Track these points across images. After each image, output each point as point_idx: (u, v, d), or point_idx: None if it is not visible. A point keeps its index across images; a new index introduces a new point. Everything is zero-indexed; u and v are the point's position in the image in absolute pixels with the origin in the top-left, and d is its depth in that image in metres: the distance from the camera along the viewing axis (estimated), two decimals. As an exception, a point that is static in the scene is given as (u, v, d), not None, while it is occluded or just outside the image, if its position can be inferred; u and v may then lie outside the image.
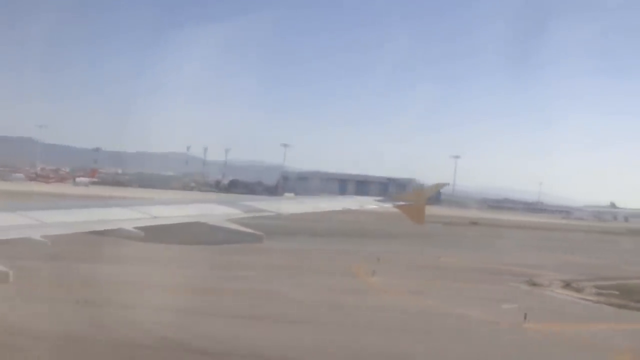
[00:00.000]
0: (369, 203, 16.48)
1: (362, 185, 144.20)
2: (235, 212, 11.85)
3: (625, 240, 69.38)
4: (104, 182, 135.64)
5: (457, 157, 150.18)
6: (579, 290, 29.59)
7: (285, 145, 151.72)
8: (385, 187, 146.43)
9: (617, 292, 28.87)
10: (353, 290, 26.00)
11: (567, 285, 30.75)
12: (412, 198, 15.45)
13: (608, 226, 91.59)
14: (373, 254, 35.46)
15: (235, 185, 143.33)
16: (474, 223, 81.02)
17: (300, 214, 14.69)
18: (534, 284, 30.68)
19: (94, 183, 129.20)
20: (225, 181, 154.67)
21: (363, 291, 26.32)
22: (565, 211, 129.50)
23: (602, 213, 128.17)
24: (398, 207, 15.59)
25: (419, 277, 30.23)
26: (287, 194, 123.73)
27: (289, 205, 14.84)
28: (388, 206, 15.90)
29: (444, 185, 16.82)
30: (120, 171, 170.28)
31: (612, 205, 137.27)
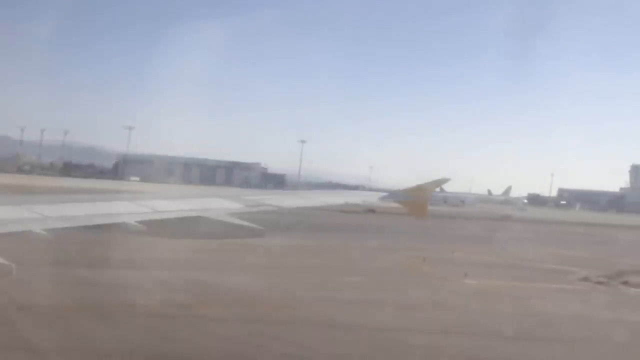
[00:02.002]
0: (371, 197, 16.48)
1: (206, 169, 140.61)
2: (236, 206, 11.86)
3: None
4: None
5: (303, 141, 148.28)
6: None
7: (129, 128, 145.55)
8: (231, 172, 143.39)
9: None
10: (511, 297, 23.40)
11: (624, 281, 29.38)
12: (414, 193, 15.43)
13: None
14: (404, 251, 34.56)
15: (69, 168, 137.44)
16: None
17: (301, 208, 14.69)
18: (586, 280, 29.21)
19: None
20: (60, 164, 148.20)
21: (524, 298, 23.57)
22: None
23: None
24: (400, 202, 15.60)
25: (495, 276, 27.82)
26: (132, 178, 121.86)
27: (290, 200, 14.83)
28: (390, 201, 15.91)
29: (446, 180, 16.72)
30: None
31: (441, 189, 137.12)
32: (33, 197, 10.35)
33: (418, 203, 15.41)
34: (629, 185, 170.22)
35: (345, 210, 40.40)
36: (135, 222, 8.98)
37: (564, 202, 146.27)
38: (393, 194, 16.24)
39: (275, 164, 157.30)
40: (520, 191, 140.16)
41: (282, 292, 20.69)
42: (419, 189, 15.51)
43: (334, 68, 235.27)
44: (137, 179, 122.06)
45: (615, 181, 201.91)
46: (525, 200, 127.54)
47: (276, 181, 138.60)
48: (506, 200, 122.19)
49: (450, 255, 33.20)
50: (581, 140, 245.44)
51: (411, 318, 18.03)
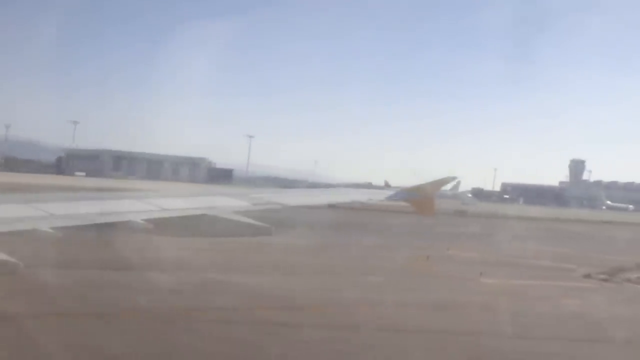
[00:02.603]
0: (378, 196, 16.38)
1: (154, 164, 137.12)
2: (242, 204, 11.78)
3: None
4: None
5: (251, 136, 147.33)
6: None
7: (74, 123, 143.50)
8: (178, 166, 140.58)
9: None
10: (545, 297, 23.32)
11: (626, 278, 29.18)
12: (421, 191, 15.34)
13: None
14: (403, 249, 34.49)
15: (11, 162, 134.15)
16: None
17: (307, 206, 14.61)
18: (589, 277, 29.21)
19: None
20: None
21: (551, 298, 23.40)
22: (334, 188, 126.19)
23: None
24: (407, 200, 15.52)
25: (505, 275, 27.18)
26: (77, 173, 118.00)
27: (297, 198, 14.74)
28: (396, 200, 15.82)
29: (453, 178, 16.64)
30: None
31: (387, 183, 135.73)
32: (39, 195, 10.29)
33: (424, 201, 15.35)
34: (568, 180, 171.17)
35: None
36: (142, 220, 8.92)
37: (507, 196, 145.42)
38: (400, 193, 16.14)
39: (223, 159, 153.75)
40: (464, 186, 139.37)
41: (315, 293, 20.29)
42: (426, 188, 15.42)
43: (283, 60, 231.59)
44: (83, 174, 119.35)
45: (555, 176, 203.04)
46: (470, 195, 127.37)
47: (223, 176, 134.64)
48: (455, 195, 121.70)
49: (448, 253, 33.17)
50: (523, 135, 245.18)
51: (467, 320, 17.96)
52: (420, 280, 24.95)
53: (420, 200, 15.38)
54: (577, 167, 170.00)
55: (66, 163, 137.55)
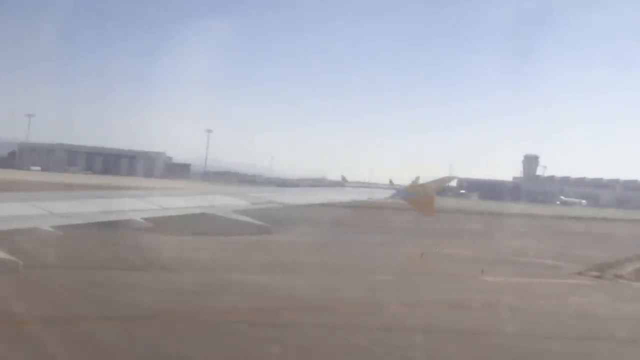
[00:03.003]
0: (378, 195, 16.38)
1: (110, 159, 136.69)
2: (241, 203, 11.76)
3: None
4: None
5: (209, 131, 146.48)
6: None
7: (29, 116, 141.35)
8: (135, 161, 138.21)
9: None
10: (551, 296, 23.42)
11: (618, 274, 29.33)
12: (421, 191, 15.34)
13: None
14: (397, 247, 34.57)
15: None
16: None
17: (307, 205, 14.59)
18: (582, 274, 29.34)
19: None
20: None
21: (558, 296, 23.52)
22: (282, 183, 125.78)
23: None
24: (407, 199, 15.51)
25: (502, 273, 27.46)
26: (33, 168, 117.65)
27: (296, 197, 14.72)
28: (397, 199, 15.81)
29: (453, 178, 16.67)
30: None
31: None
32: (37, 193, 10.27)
33: (425, 200, 15.35)
34: (521, 175, 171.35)
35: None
36: (142, 219, 8.90)
37: (463, 191, 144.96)
38: (400, 192, 16.14)
39: (181, 154, 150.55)
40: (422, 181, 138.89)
41: (331, 293, 20.08)
42: (425, 187, 15.42)
43: (240, 52, 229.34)
44: (38, 168, 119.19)
45: (509, 171, 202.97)
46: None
47: (181, 171, 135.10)
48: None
49: (438, 250, 33.16)
50: (479, 131, 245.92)
51: (495, 321, 17.93)
52: (426, 279, 24.92)
53: (420, 199, 15.39)
54: (530, 162, 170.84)
55: (20, 157, 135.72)
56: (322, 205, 15.26)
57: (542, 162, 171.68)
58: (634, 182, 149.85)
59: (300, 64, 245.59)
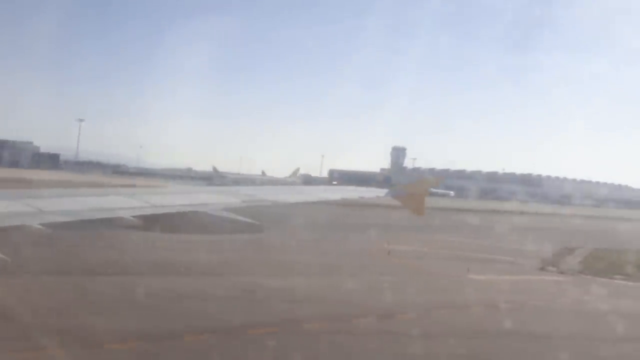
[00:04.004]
0: (369, 193, 16.42)
1: None
2: (233, 201, 11.74)
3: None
4: None
5: (81, 120, 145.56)
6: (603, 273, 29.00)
7: None
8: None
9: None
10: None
11: (579, 270, 30.11)
12: (412, 189, 15.39)
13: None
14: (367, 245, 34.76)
15: None
16: None
17: (298, 203, 14.58)
18: (544, 269, 29.65)
19: None
20: None
21: (551, 293, 23.84)
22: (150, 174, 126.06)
23: (182, 177, 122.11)
24: (397, 198, 15.54)
25: (483, 271, 27.50)
26: None
27: (287, 195, 14.71)
28: (387, 197, 15.84)
29: (444, 178, 16.73)
30: None
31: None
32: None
33: (415, 199, 15.38)
34: (389, 167, 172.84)
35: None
36: (132, 216, 8.87)
37: (335, 183, 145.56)
38: (391, 191, 16.18)
39: (48, 144, 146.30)
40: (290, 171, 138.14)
41: (360, 295, 19.71)
42: (417, 186, 15.48)
43: (115, 42, 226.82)
44: None
45: (379, 163, 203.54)
46: (298, 181, 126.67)
47: (49, 162, 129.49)
48: (294, 182, 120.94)
49: (396, 248, 32.68)
50: (348, 122, 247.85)
51: (526, 321, 18.04)
52: (424, 279, 25.00)
53: (411, 198, 15.43)
54: (398, 154, 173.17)
55: None
56: (314, 203, 15.23)
57: (412, 154, 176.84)
58: (494, 173, 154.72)
59: (171, 54, 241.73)
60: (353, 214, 51.03)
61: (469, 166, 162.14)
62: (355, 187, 17.40)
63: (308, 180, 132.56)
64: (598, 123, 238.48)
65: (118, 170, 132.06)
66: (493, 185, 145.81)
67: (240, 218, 10.22)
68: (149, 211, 9.42)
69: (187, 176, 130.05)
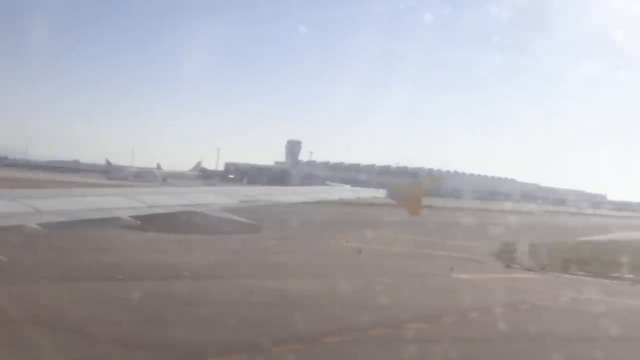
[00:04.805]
0: (366, 194, 16.44)
1: None
2: (230, 201, 11.72)
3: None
4: None
5: None
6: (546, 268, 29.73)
7: None
8: None
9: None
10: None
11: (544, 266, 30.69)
12: (409, 190, 15.43)
13: None
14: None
15: None
16: None
17: (295, 203, 14.59)
18: (509, 267, 30.22)
19: None
20: None
21: (547, 291, 24.34)
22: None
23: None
24: (394, 198, 15.58)
25: (463, 270, 28.02)
26: None
27: (284, 195, 14.71)
28: (384, 197, 15.87)
29: (439, 179, 16.79)
30: None
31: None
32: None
33: (412, 200, 15.45)
34: (284, 160, 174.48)
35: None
36: (129, 217, 8.84)
37: (232, 176, 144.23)
38: (390, 192, 16.21)
39: None
40: (182, 166, 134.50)
41: (380, 299, 19.79)
42: (414, 187, 15.52)
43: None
44: None
45: (272, 156, 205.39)
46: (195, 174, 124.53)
47: None
48: (197, 175, 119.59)
49: (365, 246, 33.13)
50: (244, 115, 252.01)
51: (560, 321, 18.62)
52: (423, 280, 25.44)
53: (408, 199, 15.49)
54: (293, 147, 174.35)
55: None
56: (313, 203, 15.24)
57: (310, 148, 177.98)
58: (388, 167, 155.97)
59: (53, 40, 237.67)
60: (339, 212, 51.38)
61: (365, 160, 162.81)
62: (352, 188, 17.39)
63: (204, 174, 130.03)
64: (490, 118, 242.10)
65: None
66: (386, 179, 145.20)
67: (237, 218, 10.22)
68: (146, 211, 9.39)
69: (74, 169, 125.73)
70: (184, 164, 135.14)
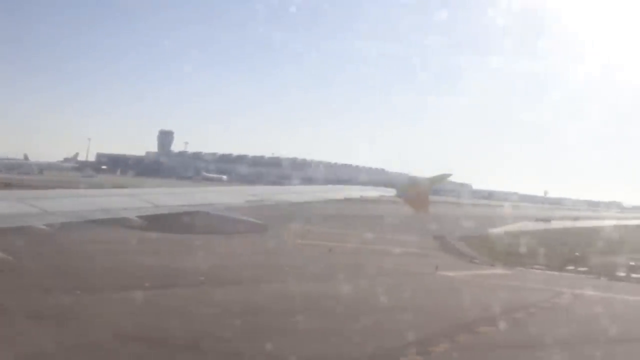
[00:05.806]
0: (372, 192, 16.38)
1: None
2: (236, 201, 11.72)
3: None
4: None
5: None
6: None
7: None
8: None
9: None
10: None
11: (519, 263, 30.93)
12: (416, 188, 15.37)
13: None
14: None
15: None
16: None
17: (301, 203, 14.57)
18: (477, 263, 30.63)
19: None
20: None
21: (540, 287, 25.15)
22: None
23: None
24: (402, 197, 15.52)
25: (442, 267, 28.52)
26: None
27: (290, 195, 14.68)
28: (391, 195, 15.82)
29: (448, 175, 16.73)
30: None
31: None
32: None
33: (418, 197, 15.41)
34: (156, 150, 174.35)
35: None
36: (136, 217, 8.84)
37: (104, 167, 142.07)
38: (399, 192, 16.15)
39: None
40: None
41: (404, 300, 20.38)
42: (419, 184, 15.45)
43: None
44: None
45: (143, 146, 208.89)
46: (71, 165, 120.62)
47: None
48: (73, 167, 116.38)
49: (334, 245, 33.28)
50: (116, 104, 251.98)
51: (557, 322, 19.23)
52: (421, 280, 25.64)
53: (415, 197, 15.44)
54: (165, 138, 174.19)
55: None
56: (316, 203, 15.21)
57: (185, 138, 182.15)
58: (261, 157, 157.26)
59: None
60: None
61: (242, 151, 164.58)
62: (359, 187, 17.33)
63: (80, 167, 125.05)
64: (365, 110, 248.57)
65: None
66: (259, 169, 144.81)
67: (244, 218, 10.23)
68: (152, 211, 9.39)
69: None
70: (53, 155, 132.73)
